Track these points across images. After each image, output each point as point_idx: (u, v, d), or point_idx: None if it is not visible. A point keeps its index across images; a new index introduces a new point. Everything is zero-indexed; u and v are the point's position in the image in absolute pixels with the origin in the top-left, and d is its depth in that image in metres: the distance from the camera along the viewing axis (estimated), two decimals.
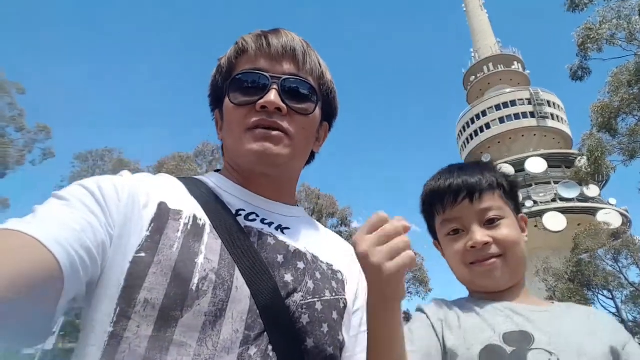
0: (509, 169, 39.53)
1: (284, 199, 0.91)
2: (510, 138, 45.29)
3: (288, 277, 0.75)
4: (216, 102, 0.93)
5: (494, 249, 0.90)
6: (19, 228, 0.54)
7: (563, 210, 34.66)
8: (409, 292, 21.79)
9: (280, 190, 0.90)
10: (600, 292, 19.60)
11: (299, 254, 0.80)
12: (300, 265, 0.79)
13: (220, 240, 0.72)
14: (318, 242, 0.89)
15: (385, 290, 0.65)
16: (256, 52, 0.83)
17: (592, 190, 30.84)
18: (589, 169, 13.48)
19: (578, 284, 18.85)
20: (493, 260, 0.90)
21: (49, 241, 0.54)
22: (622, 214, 33.04)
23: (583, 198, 35.04)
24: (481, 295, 0.95)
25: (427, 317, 0.92)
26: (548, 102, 44.88)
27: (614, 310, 19.54)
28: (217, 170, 0.94)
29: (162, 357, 0.59)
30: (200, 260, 0.67)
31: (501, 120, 45.78)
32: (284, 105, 0.80)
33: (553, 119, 44.62)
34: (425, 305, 0.97)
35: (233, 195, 0.84)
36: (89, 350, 0.60)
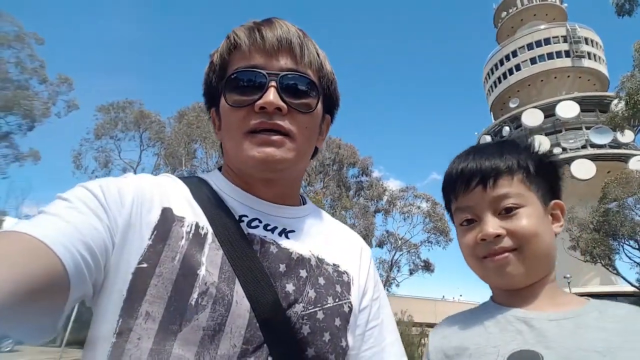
0: (537, 114, 38.27)
1: (288, 200, 0.89)
2: (541, 80, 43.15)
3: (289, 287, 0.74)
4: (211, 101, 0.90)
5: (507, 242, 0.80)
6: (24, 230, 0.56)
7: (593, 157, 33.66)
8: (429, 242, 22.16)
9: (283, 193, 0.88)
10: (627, 242, 19.38)
11: (302, 261, 0.79)
12: (303, 273, 0.78)
13: (221, 250, 0.72)
14: (324, 242, 0.88)
15: None
16: (250, 48, 0.79)
17: (627, 136, 29.40)
18: (626, 113, 12.72)
19: (603, 234, 18.61)
20: (506, 254, 0.80)
21: (55, 244, 0.55)
22: None
23: (615, 144, 33.77)
24: (500, 294, 0.87)
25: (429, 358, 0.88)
26: (585, 39, 42.03)
27: (639, 260, 19.46)
28: (220, 168, 0.93)
29: None
30: (201, 272, 0.68)
31: (532, 60, 43.45)
32: (284, 105, 0.77)
33: (590, 58, 41.97)
34: (432, 334, 0.91)
35: (235, 199, 0.83)
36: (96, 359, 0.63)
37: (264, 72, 0.77)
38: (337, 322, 0.77)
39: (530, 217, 0.81)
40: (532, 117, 38.66)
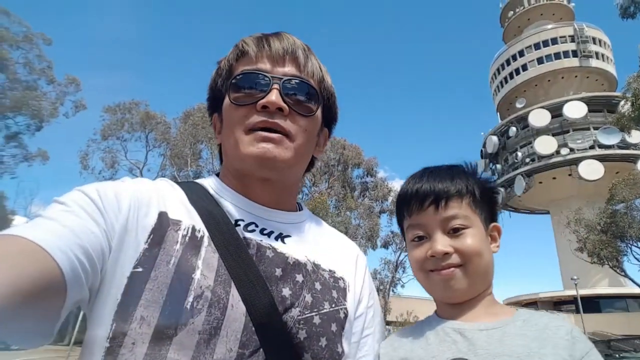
0: (544, 115, 37.91)
1: (284, 206, 0.89)
2: (548, 80, 42.75)
3: (286, 292, 0.75)
4: (215, 105, 0.91)
5: (454, 259, 0.88)
6: (21, 233, 0.56)
7: (601, 158, 33.28)
8: None
9: (280, 197, 0.89)
10: (635, 244, 19.17)
11: (298, 266, 0.80)
12: (299, 278, 0.78)
13: (217, 254, 0.72)
14: (320, 248, 0.88)
15: None
16: (257, 54, 0.83)
17: (635, 137, 29.01)
18: (633, 114, 12.58)
19: (611, 236, 18.41)
20: (452, 269, 0.88)
21: (52, 247, 0.55)
22: None
23: (624, 145, 33.33)
24: (443, 308, 0.95)
25: None
26: (593, 39, 41.55)
27: None
28: (217, 174, 0.94)
29: None
30: (196, 276, 0.68)
31: (539, 60, 43.04)
32: (285, 105, 0.79)
33: (597, 58, 41.50)
34: (384, 343, 0.95)
35: (232, 203, 0.83)
36: None
37: (268, 75, 0.80)
38: (334, 327, 0.77)
39: (474, 237, 0.89)
40: (539, 117, 38.24)
